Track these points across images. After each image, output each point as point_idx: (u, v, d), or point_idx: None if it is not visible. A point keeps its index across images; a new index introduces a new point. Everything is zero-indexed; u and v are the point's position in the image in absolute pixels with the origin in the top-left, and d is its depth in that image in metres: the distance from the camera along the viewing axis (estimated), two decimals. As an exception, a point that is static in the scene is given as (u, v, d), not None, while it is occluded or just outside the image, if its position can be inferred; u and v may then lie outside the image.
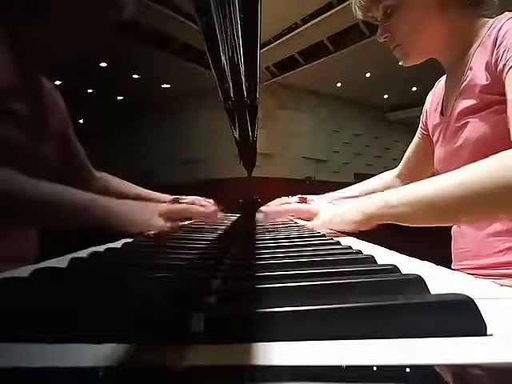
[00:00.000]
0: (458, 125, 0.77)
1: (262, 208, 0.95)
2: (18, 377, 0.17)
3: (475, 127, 0.73)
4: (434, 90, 0.97)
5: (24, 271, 0.34)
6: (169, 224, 0.72)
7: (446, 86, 0.88)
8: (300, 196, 0.99)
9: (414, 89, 8.63)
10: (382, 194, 0.68)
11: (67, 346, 0.19)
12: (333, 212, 0.73)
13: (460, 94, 0.77)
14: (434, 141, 0.91)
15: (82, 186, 0.99)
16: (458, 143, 0.77)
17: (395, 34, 0.80)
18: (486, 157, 0.71)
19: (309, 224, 0.77)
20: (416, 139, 1.05)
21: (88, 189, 0.93)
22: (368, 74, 7.97)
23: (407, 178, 1.08)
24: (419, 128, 1.03)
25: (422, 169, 1.03)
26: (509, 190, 0.53)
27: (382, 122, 10.16)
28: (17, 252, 0.78)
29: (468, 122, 0.74)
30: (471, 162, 0.74)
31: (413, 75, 7.60)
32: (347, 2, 5.65)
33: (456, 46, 0.79)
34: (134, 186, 1.15)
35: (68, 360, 0.18)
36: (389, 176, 1.14)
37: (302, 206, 0.88)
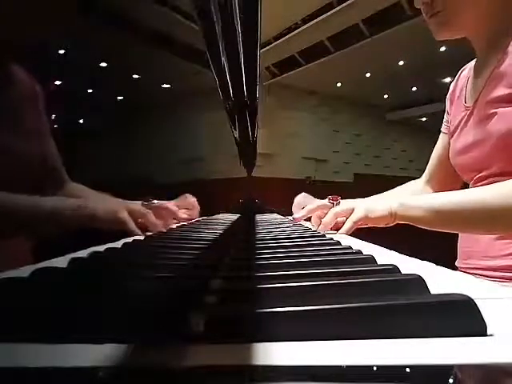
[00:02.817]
0: (485, 114, 0.71)
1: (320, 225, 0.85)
2: (19, 377, 0.17)
3: (504, 119, 0.67)
4: (458, 78, 0.91)
5: (24, 271, 0.34)
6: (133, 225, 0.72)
7: (474, 71, 0.81)
8: (330, 196, 0.90)
9: (414, 89, 8.63)
10: (420, 197, 0.73)
11: (67, 346, 0.19)
12: (368, 207, 0.75)
13: (491, 80, 0.71)
14: (452, 130, 0.84)
15: (51, 189, 0.97)
16: (483, 135, 0.71)
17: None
18: (510, 152, 0.67)
19: (346, 225, 0.76)
20: (442, 136, 0.95)
21: (56, 194, 0.93)
22: (368, 74, 7.97)
23: (439, 183, 0.98)
24: (444, 122, 0.94)
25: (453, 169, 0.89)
26: None
27: (382, 122, 10.16)
28: (16, 252, 0.78)
29: (496, 113, 0.68)
30: (492, 158, 0.71)
31: (413, 75, 7.61)
32: (347, 2, 5.65)
33: (494, 26, 0.73)
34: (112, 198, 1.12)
35: (68, 360, 0.18)
36: (417, 185, 1.04)
37: (339, 208, 0.82)
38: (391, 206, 0.73)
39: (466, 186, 0.87)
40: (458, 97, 0.86)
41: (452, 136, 0.85)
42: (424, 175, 1.03)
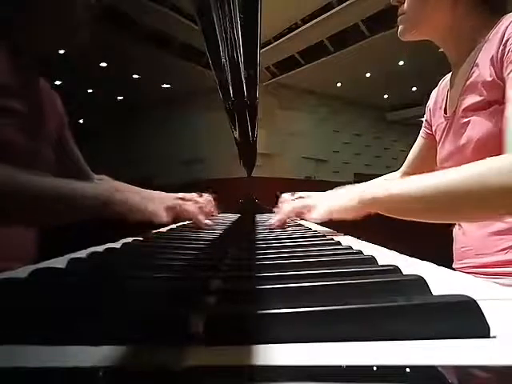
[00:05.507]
0: (461, 122, 0.76)
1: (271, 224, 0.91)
2: (18, 377, 0.16)
3: (479, 125, 0.71)
4: (438, 88, 0.96)
5: (23, 271, 0.34)
6: (170, 219, 0.73)
7: (450, 84, 0.87)
8: (292, 193, 0.98)
9: (414, 89, 8.63)
10: (375, 184, 0.71)
11: (66, 347, 0.19)
12: (330, 203, 0.75)
13: (465, 91, 0.76)
14: (437, 140, 0.90)
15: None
16: (462, 142, 0.76)
17: (406, 2, 0.80)
18: (489, 156, 0.71)
19: (307, 217, 0.75)
20: (420, 139, 1.03)
21: None
22: (368, 74, 7.97)
23: None
24: (423, 127, 1.01)
25: (426, 169, 0.96)
26: (495, 192, 0.55)
27: (382, 122, 10.16)
28: (16, 252, 0.78)
29: (472, 120, 0.73)
30: (474, 161, 0.74)
31: (413, 75, 7.60)
32: (347, 2, 5.65)
33: (463, 40, 0.78)
34: (134, 187, 1.14)
35: (67, 361, 0.18)
36: (391, 178, 1.12)
37: (297, 203, 0.86)
38: (353, 195, 0.72)
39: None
40: (440, 107, 0.90)
41: (438, 145, 0.90)
42: (400, 170, 1.11)
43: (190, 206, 0.83)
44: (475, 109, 0.73)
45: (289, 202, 0.92)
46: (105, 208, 0.67)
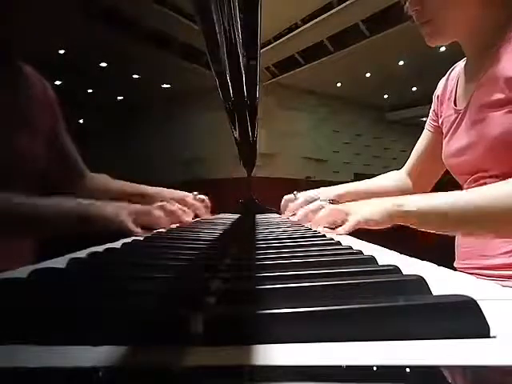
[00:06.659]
0: (475, 118, 0.73)
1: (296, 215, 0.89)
2: (18, 377, 0.16)
3: (496, 123, 0.68)
4: (448, 77, 0.91)
5: (23, 271, 0.34)
6: (138, 228, 0.73)
7: (464, 74, 0.82)
8: (331, 199, 0.93)
9: (414, 89, 8.64)
10: (415, 198, 0.69)
11: (66, 347, 0.19)
12: (364, 214, 0.70)
13: (482, 85, 0.72)
14: (444, 133, 0.86)
15: (71, 184, 1.00)
16: (474, 139, 0.73)
17: (428, 8, 0.75)
18: (504, 156, 0.68)
19: (340, 229, 0.71)
20: (426, 132, 0.98)
21: (78, 187, 0.96)
22: (368, 74, 7.98)
23: (419, 175, 1.03)
24: (429, 119, 0.97)
25: (434, 164, 0.95)
26: None
27: (382, 122, 10.17)
28: (15, 252, 0.78)
29: (488, 117, 0.70)
30: (486, 161, 0.72)
31: (413, 75, 7.61)
32: (347, 2, 5.65)
33: (487, 33, 0.74)
34: (131, 184, 1.13)
35: (67, 361, 0.18)
36: (398, 175, 1.08)
37: (334, 208, 0.80)
38: (386, 208, 0.69)
39: (441, 180, 0.99)
40: (449, 98, 0.87)
41: (444, 138, 0.86)
42: (405, 166, 1.07)
43: (162, 217, 0.81)
44: (492, 105, 0.69)
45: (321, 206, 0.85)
46: (80, 222, 0.70)
